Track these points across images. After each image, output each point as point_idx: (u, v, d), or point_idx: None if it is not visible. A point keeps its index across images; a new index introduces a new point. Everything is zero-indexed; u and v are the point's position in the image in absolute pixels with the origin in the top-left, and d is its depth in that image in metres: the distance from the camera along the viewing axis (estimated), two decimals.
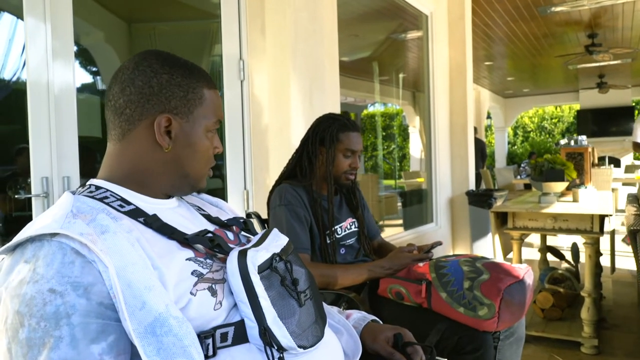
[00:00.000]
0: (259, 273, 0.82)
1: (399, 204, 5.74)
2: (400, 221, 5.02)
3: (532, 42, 7.96)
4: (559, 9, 6.03)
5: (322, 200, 1.79)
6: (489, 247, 4.47)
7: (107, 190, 0.86)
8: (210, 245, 0.86)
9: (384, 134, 12.70)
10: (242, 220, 1.04)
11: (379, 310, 1.63)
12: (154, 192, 0.91)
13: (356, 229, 1.88)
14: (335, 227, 1.78)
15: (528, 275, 1.51)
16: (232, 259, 0.83)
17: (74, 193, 0.84)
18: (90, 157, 2.21)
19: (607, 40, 7.77)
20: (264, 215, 1.88)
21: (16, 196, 2.02)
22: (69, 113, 2.02)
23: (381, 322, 1.14)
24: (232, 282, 0.82)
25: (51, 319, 0.68)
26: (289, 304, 0.84)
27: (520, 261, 2.87)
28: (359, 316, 1.13)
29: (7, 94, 2.56)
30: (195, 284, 0.79)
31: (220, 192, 2.54)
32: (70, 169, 2.01)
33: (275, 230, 0.98)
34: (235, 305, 0.83)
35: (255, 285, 0.80)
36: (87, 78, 3.55)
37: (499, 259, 3.87)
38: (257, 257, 0.83)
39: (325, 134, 1.79)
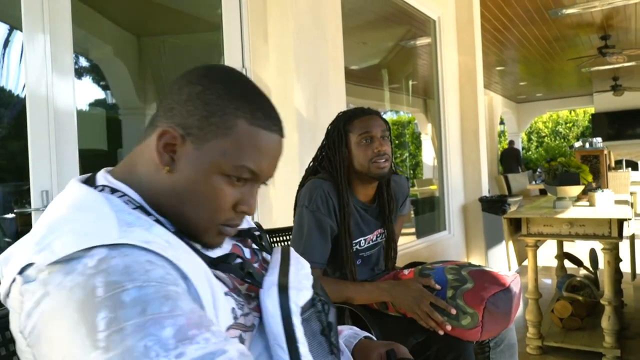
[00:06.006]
0: (300, 315, 0.73)
1: (412, 212, 5.66)
2: (413, 230, 4.93)
3: (543, 45, 7.87)
4: (570, 11, 5.95)
5: (354, 204, 1.65)
6: (504, 255, 4.37)
7: (125, 195, 0.71)
8: (242, 275, 0.73)
9: (396, 142, 12.63)
10: (257, 233, 0.91)
11: (362, 320, 1.57)
12: None
13: (381, 241, 1.76)
14: (359, 240, 1.68)
15: (515, 283, 1.46)
16: (272, 297, 0.72)
17: (91, 185, 0.72)
18: (93, 170, 2.19)
19: (620, 42, 7.65)
20: (265, 226, 1.82)
21: (15, 210, 2.00)
22: (69, 125, 1.99)
23: (374, 338, 1.07)
24: (271, 323, 0.72)
25: (160, 281, 0.58)
26: (323, 349, 0.76)
27: (536, 269, 2.77)
28: (350, 333, 1.06)
29: (20, 109, 2.57)
30: (228, 330, 0.67)
31: None
32: None
33: (293, 252, 0.86)
34: (259, 356, 0.73)
35: (295, 328, 0.71)
36: (96, 91, 3.57)
37: (500, 266, 3.77)
38: (299, 296, 0.74)
39: (334, 133, 1.65)
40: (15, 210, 2.10)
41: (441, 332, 1.42)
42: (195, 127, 0.69)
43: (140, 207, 0.70)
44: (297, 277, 0.78)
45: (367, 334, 1.07)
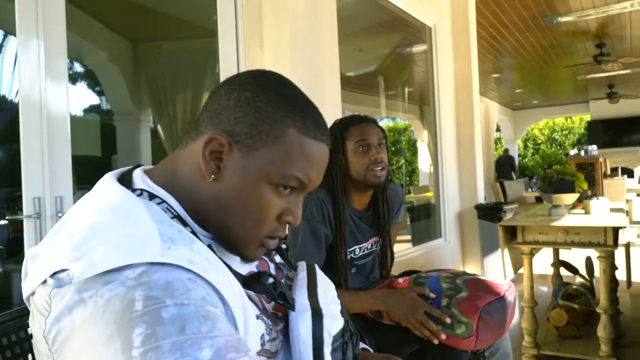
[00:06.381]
0: (331, 345, 0.71)
1: (408, 219, 5.66)
2: (409, 237, 4.91)
3: (539, 53, 7.91)
4: (565, 19, 5.98)
5: (349, 212, 1.63)
6: (500, 263, 4.36)
7: (164, 202, 0.68)
8: (275, 297, 0.70)
9: (392, 149, 12.63)
10: (283, 247, 0.88)
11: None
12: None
13: (376, 249, 1.75)
14: (354, 248, 1.67)
15: (510, 292, 1.45)
16: (305, 323, 0.70)
17: (127, 185, 0.68)
18: (87, 176, 2.17)
19: (615, 50, 7.70)
20: None
21: (7, 217, 1.98)
22: (62, 131, 1.97)
23: (370, 349, 1.06)
24: (301, 350, 0.69)
25: (200, 301, 0.54)
26: None
27: (532, 277, 2.76)
28: None
29: (13, 115, 2.56)
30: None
31: None
32: (63, 189, 1.96)
33: (319, 272, 0.85)
34: None
35: (325, 358, 0.70)
36: (90, 97, 3.55)
37: (496, 274, 3.77)
38: (333, 326, 0.72)
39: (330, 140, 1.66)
40: (7, 217, 2.08)
41: (436, 341, 1.41)
42: (243, 135, 0.67)
43: (177, 217, 0.67)
44: (326, 301, 0.76)
45: (363, 344, 1.06)
